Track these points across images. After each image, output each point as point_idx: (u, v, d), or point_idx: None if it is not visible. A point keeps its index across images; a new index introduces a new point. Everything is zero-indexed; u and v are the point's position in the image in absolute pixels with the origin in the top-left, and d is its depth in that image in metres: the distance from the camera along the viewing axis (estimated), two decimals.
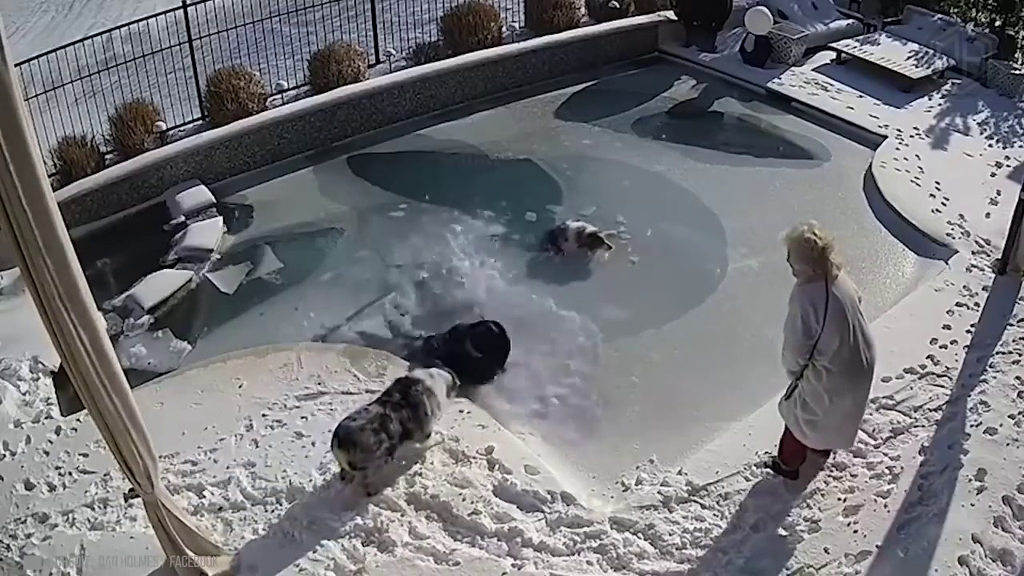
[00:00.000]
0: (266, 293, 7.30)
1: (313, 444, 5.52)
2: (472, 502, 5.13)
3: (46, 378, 6.13)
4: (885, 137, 9.05)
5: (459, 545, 4.90)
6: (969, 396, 5.77)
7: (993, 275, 6.96)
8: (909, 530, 4.90)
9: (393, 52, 10.25)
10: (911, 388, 5.88)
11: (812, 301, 4.59)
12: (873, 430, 5.51)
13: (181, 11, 9.02)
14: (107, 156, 8.69)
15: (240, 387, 6.01)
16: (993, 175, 8.50)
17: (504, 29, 10.67)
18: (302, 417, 5.75)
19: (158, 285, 7.24)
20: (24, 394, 6.01)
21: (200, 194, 8.39)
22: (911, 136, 9.10)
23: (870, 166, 8.58)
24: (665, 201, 8.25)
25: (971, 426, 5.52)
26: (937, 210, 7.83)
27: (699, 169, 8.84)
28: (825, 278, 4.60)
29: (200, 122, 9.22)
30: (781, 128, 9.63)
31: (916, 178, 8.35)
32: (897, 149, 8.85)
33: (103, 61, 9.31)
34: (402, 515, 5.06)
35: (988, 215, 7.76)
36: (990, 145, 9.08)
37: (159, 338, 6.76)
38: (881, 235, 7.74)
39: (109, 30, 9.33)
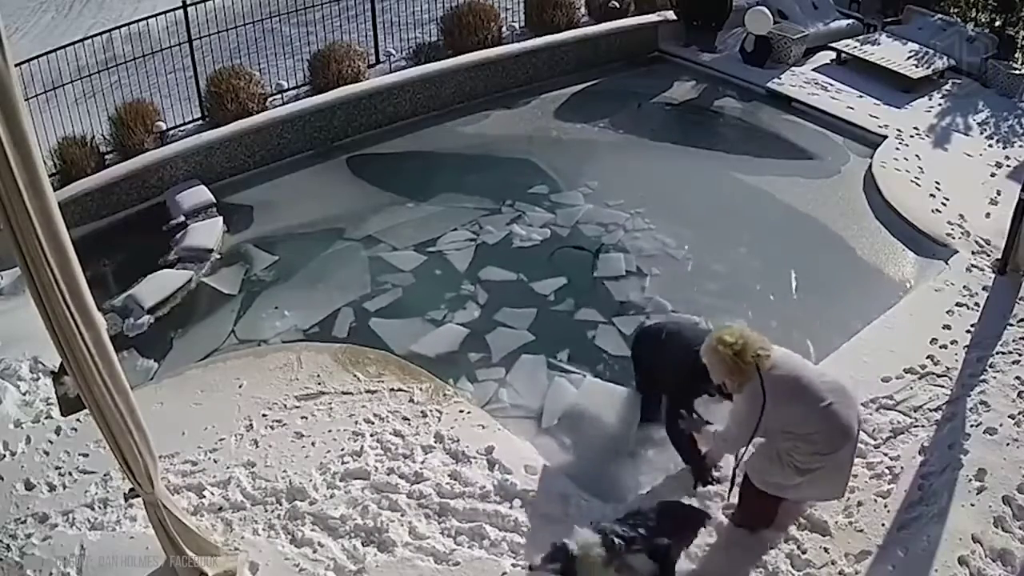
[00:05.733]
0: (265, 293, 7.28)
1: (313, 444, 5.52)
2: (472, 502, 5.12)
3: (46, 378, 6.11)
4: (885, 137, 9.03)
5: (459, 545, 4.89)
6: (969, 396, 5.76)
7: (993, 275, 6.95)
8: (909, 530, 4.89)
9: (393, 52, 10.24)
10: (911, 388, 5.87)
11: (752, 409, 4.25)
12: (873, 430, 5.49)
13: (181, 11, 9.01)
14: (107, 156, 8.67)
15: (240, 387, 6.00)
16: (993, 175, 8.50)
17: (504, 29, 10.66)
18: (302, 417, 5.74)
19: (158, 285, 7.23)
20: (24, 394, 6.00)
21: (200, 194, 8.39)
22: (911, 136, 9.09)
23: (870, 166, 8.57)
24: (665, 201, 8.23)
25: (971, 426, 5.51)
26: (937, 210, 7.82)
27: (698, 169, 8.83)
28: (758, 372, 4.21)
29: (200, 122, 9.21)
30: (781, 128, 9.62)
31: (916, 178, 8.34)
32: (897, 149, 8.84)
33: (103, 61, 9.29)
34: (402, 515, 5.05)
35: (988, 215, 7.75)
36: (990, 145, 9.08)
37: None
38: (881, 235, 7.73)
39: (109, 30, 9.31)
